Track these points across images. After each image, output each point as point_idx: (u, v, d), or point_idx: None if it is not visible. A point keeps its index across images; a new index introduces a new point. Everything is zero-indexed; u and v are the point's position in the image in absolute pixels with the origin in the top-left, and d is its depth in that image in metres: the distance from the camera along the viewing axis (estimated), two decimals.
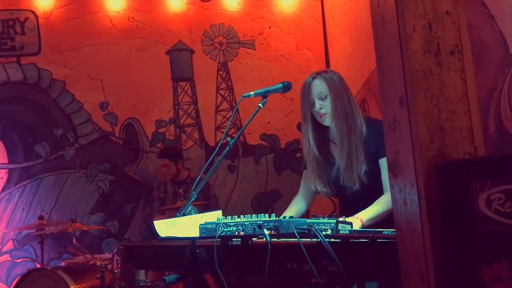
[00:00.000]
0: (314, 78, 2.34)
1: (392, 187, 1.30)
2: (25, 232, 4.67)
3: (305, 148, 2.42)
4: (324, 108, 2.32)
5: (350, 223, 1.76)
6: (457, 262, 1.02)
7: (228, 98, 5.17)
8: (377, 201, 2.22)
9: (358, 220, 2.08)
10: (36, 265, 4.53)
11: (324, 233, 1.65)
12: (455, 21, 1.21)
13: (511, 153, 1.07)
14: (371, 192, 2.27)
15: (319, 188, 2.41)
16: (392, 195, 1.30)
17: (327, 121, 2.34)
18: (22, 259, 4.68)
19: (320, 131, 2.39)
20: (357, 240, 1.61)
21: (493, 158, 1.02)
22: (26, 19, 4.90)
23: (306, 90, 2.35)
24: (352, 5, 4.51)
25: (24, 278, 3.74)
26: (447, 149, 1.16)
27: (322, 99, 2.32)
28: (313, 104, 2.34)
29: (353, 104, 2.36)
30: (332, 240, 1.62)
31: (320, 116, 2.34)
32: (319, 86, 2.33)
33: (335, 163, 2.36)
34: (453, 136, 1.18)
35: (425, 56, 1.19)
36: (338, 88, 2.32)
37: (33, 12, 4.92)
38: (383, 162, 2.25)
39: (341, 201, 2.53)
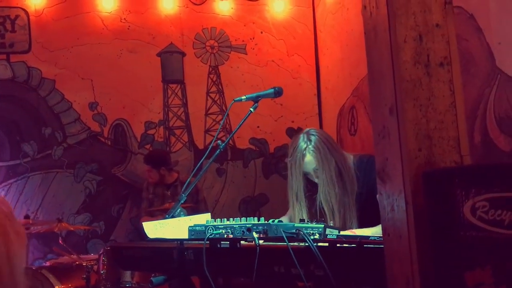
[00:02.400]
0: (304, 155, 2.34)
1: (380, 193, 1.33)
2: None
3: (292, 203, 2.44)
4: (319, 179, 2.36)
5: (338, 228, 1.79)
6: (442, 267, 1.05)
7: (218, 101, 5.19)
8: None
9: None
10: None
11: (312, 237, 1.67)
12: (445, 33, 1.24)
13: (496, 162, 1.11)
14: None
15: None
16: (380, 201, 1.33)
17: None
18: None
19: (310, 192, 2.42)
20: (345, 245, 1.64)
21: (478, 167, 1.06)
22: (17, 16, 4.87)
23: (298, 164, 2.36)
24: (343, 13, 4.56)
25: None
26: (434, 158, 1.20)
27: (316, 172, 2.36)
28: (304, 173, 2.38)
29: (341, 157, 2.36)
30: (320, 244, 1.65)
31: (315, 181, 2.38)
32: (310, 162, 2.35)
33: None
34: (440, 145, 1.21)
35: (415, 67, 1.22)
36: (324, 158, 2.33)
37: (24, 10, 4.89)
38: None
39: None
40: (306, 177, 2.40)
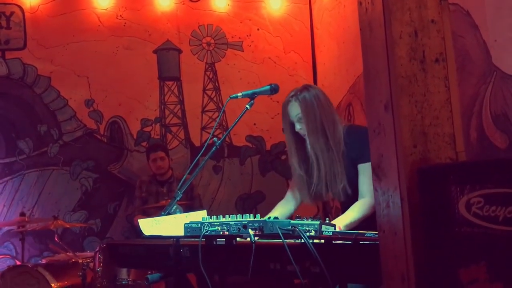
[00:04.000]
0: (289, 101, 2.39)
1: (375, 189, 1.33)
2: (6, 228, 4.61)
3: (290, 161, 2.49)
4: (302, 129, 2.38)
5: (334, 225, 1.79)
6: (437, 263, 1.05)
7: (214, 98, 5.18)
8: (352, 207, 2.28)
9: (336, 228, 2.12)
10: (16, 262, 4.47)
11: (308, 234, 1.67)
12: (440, 29, 1.24)
13: (490, 159, 1.11)
14: (356, 200, 2.33)
15: (304, 200, 2.49)
16: (376, 197, 1.33)
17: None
18: (2, 256, 4.62)
19: (302, 147, 2.44)
20: (340, 242, 1.63)
21: (473, 163, 1.05)
22: (12, 13, 4.85)
23: (284, 111, 2.42)
24: (340, 10, 4.56)
25: (3, 275, 3.70)
26: (429, 154, 1.20)
27: (299, 120, 2.38)
28: (292, 124, 2.41)
29: (330, 118, 2.38)
30: (315, 241, 1.64)
31: (303, 136, 2.40)
32: (294, 109, 2.38)
33: (314, 181, 2.41)
34: (435, 142, 1.21)
35: (411, 63, 1.22)
36: (310, 109, 2.35)
37: (19, 6, 4.87)
38: (361, 168, 2.32)
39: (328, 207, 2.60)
40: (296, 133, 2.41)
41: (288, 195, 2.59)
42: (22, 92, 4.81)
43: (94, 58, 4.94)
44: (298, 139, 2.43)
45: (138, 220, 2.08)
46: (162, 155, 4.49)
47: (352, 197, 2.34)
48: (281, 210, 2.54)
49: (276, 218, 1.78)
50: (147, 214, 4.27)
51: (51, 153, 4.81)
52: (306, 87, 2.42)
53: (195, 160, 2.72)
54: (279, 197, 2.64)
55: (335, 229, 1.84)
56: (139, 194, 4.54)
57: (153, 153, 4.52)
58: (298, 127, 2.38)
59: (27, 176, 4.75)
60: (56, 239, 4.03)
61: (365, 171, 2.30)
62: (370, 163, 2.25)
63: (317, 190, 2.39)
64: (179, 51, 5.15)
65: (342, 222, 2.17)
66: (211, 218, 1.88)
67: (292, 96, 2.39)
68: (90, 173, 4.88)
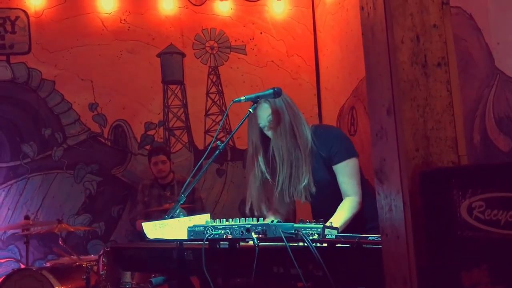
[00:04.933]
0: (259, 103, 2.41)
1: (378, 193, 1.33)
2: (10, 232, 4.63)
3: (254, 168, 2.51)
4: (272, 130, 2.42)
5: (337, 228, 1.79)
6: (439, 267, 1.06)
7: (218, 102, 5.20)
8: (340, 207, 2.32)
9: None
10: (20, 266, 4.49)
11: (311, 237, 1.67)
12: (442, 34, 1.25)
13: (492, 163, 1.11)
14: (324, 200, 2.37)
15: (263, 210, 2.49)
16: (378, 201, 1.34)
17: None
18: (6, 259, 4.64)
19: (267, 150, 2.47)
20: (343, 245, 1.64)
21: (474, 167, 1.06)
22: (17, 18, 4.88)
23: (253, 114, 2.42)
24: (343, 14, 4.57)
25: (8, 278, 3.71)
26: (431, 158, 1.20)
27: (270, 122, 2.42)
28: (261, 128, 2.45)
29: (298, 118, 2.42)
30: (318, 244, 1.65)
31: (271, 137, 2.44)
32: (264, 111, 2.42)
33: (279, 182, 2.43)
34: (437, 145, 1.21)
35: (413, 67, 1.23)
36: (280, 110, 2.40)
37: (24, 11, 4.90)
38: (338, 169, 2.37)
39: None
40: (263, 133, 2.46)
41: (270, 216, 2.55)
42: (27, 96, 4.83)
43: (98, 62, 4.96)
44: (264, 142, 2.47)
45: (142, 223, 2.09)
46: (163, 159, 4.50)
47: (317, 196, 2.36)
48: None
49: (279, 221, 1.79)
50: (150, 217, 4.28)
51: (55, 157, 4.83)
52: (275, 93, 2.44)
53: (198, 164, 2.73)
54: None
55: (338, 232, 1.84)
56: (141, 198, 4.55)
57: (155, 156, 4.53)
58: (267, 129, 2.43)
59: (31, 179, 4.77)
60: (60, 243, 4.05)
61: (342, 171, 2.36)
62: (345, 161, 2.34)
63: (281, 190, 2.41)
64: (183, 55, 5.17)
65: (337, 223, 2.20)
66: (214, 221, 1.89)
67: (262, 100, 2.41)
68: (94, 177, 4.90)
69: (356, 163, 2.39)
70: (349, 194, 2.35)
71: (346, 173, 2.37)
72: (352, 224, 2.27)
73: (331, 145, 2.38)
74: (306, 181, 2.33)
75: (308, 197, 2.37)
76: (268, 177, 2.45)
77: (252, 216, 2.45)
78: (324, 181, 2.38)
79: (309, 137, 2.40)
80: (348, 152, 2.39)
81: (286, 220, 2.55)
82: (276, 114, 2.39)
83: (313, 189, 2.35)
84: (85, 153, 4.89)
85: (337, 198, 2.37)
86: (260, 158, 2.47)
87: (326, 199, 2.37)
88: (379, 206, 1.33)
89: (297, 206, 2.57)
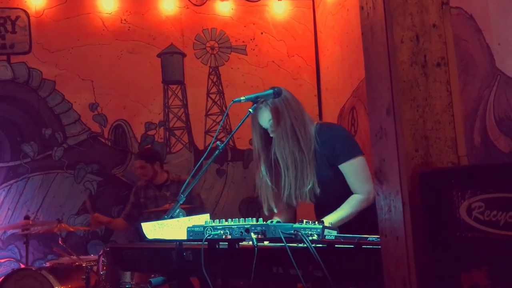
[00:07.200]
0: (259, 107, 2.40)
1: (377, 194, 1.33)
2: (10, 231, 4.63)
3: (259, 171, 2.49)
4: (274, 133, 2.41)
5: (337, 229, 1.78)
6: (438, 268, 1.05)
7: (218, 102, 5.19)
8: (344, 205, 2.33)
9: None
10: (20, 265, 4.49)
11: (310, 238, 1.67)
12: (442, 34, 1.24)
13: (491, 164, 1.11)
14: (327, 198, 2.37)
15: (274, 209, 2.49)
16: (377, 202, 1.33)
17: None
18: (6, 259, 4.64)
19: (269, 154, 2.46)
20: (343, 246, 1.63)
21: (474, 168, 1.05)
22: (17, 17, 4.88)
23: (253, 118, 2.43)
24: (344, 14, 4.56)
25: (7, 278, 3.71)
26: (431, 158, 1.20)
27: (271, 125, 2.41)
28: (263, 131, 2.45)
29: (300, 119, 2.40)
30: (318, 245, 1.64)
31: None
32: (265, 115, 2.41)
33: (285, 186, 2.42)
34: (437, 146, 1.21)
35: (412, 67, 1.22)
36: (280, 114, 2.38)
37: (24, 11, 4.90)
38: (344, 168, 2.37)
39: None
40: (266, 135, 2.45)
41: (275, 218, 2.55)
42: (27, 96, 4.83)
43: (99, 62, 4.96)
44: (267, 145, 2.46)
45: (141, 224, 2.09)
46: (142, 164, 4.42)
47: (321, 196, 2.36)
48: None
49: (278, 222, 1.78)
50: (148, 218, 4.26)
51: (55, 157, 4.83)
52: (277, 92, 2.43)
53: (198, 163, 2.72)
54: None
55: (338, 232, 1.84)
56: (136, 200, 4.53)
57: (135, 160, 4.54)
58: (270, 132, 2.42)
59: (31, 179, 4.76)
60: (60, 242, 4.05)
61: (348, 170, 2.36)
62: (350, 161, 2.33)
63: (289, 194, 2.40)
64: (183, 55, 5.17)
65: (332, 218, 2.23)
66: (214, 221, 1.88)
67: (261, 102, 2.40)
68: (94, 177, 4.89)
69: (361, 161, 2.38)
70: (357, 192, 2.36)
71: (352, 173, 2.37)
72: (361, 223, 2.24)
73: (335, 144, 2.37)
74: (311, 184, 2.33)
75: (313, 198, 2.37)
76: (270, 183, 2.44)
77: (271, 215, 2.48)
78: (328, 180, 2.37)
79: (313, 137, 2.38)
80: (352, 152, 2.38)
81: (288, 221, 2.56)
82: (277, 118, 2.37)
83: (318, 190, 2.34)
84: (86, 153, 4.89)
85: (341, 196, 2.36)
86: (263, 165, 2.46)
87: (330, 197, 2.37)
88: (378, 206, 1.33)
89: (297, 206, 2.58)
